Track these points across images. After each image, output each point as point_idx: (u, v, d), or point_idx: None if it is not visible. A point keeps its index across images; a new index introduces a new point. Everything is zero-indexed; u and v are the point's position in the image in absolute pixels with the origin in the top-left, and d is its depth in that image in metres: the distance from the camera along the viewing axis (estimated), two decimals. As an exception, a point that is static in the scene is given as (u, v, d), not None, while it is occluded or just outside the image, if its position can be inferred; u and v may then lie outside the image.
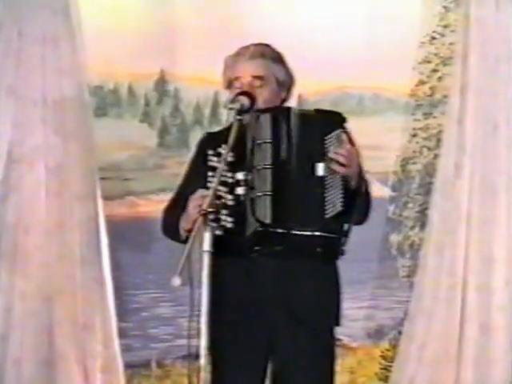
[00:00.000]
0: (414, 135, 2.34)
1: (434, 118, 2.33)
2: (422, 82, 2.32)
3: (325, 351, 1.50)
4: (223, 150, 1.42)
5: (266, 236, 1.43)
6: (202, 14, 2.30)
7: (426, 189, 2.32)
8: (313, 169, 1.44)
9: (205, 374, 1.33)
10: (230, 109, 1.44)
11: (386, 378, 2.32)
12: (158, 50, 2.28)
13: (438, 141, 2.30)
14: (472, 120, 2.18)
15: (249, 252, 1.45)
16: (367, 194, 1.52)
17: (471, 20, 2.17)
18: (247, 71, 1.49)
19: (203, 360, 1.33)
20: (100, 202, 2.19)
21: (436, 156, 2.30)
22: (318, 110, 1.49)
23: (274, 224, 1.43)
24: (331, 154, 1.43)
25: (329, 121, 1.47)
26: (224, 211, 1.43)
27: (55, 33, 2.10)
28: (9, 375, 2.09)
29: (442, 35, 2.31)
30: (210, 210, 1.36)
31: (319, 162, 1.44)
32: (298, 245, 1.45)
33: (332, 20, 2.29)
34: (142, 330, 2.32)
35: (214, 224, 1.41)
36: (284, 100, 1.55)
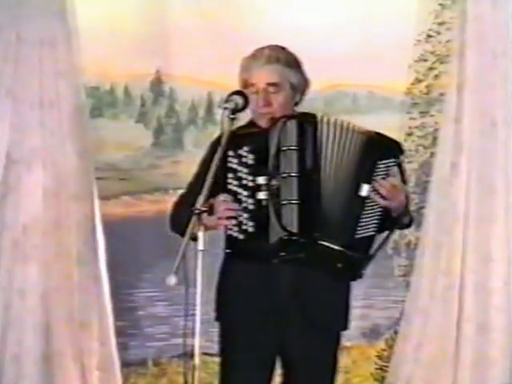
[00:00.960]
0: (410, 134, 2.33)
1: (431, 116, 2.32)
2: (418, 80, 2.31)
3: (332, 354, 1.54)
4: (244, 152, 1.44)
5: (290, 243, 1.44)
6: (196, 14, 2.31)
7: (422, 188, 2.30)
8: (357, 187, 1.44)
9: (199, 373, 1.34)
10: (225, 108, 1.45)
11: (381, 379, 2.31)
12: (154, 50, 2.29)
13: (435, 139, 2.28)
14: (469, 118, 2.16)
15: (270, 257, 1.46)
16: (408, 225, 1.53)
17: (468, 17, 2.15)
18: (262, 78, 1.50)
19: (198, 359, 1.34)
20: (96, 201, 2.21)
21: (432, 154, 2.28)
22: (378, 133, 1.48)
23: (301, 233, 1.43)
24: (375, 184, 1.44)
25: (385, 147, 1.47)
26: (245, 215, 1.44)
27: (52, 36, 2.13)
28: (7, 371, 2.12)
29: (438, 33, 2.30)
30: (204, 209, 1.36)
31: (366, 182, 1.44)
32: (321, 254, 1.45)
33: (326, 18, 2.28)
34: (138, 328, 2.34)
35: (235, 227, 1.44)
36: (297, 103, 1.55)
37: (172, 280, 1.29)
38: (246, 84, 1.53)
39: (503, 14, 2.16)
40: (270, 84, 1.50)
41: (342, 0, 2.32)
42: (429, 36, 2.30)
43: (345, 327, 1.55)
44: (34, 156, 2.14)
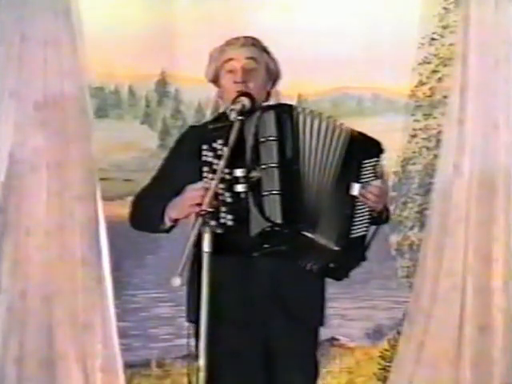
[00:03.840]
0: (414, 136, 2.35)
1: (434, 118, 2.33)
2: (421, 83, 2.33)
3: (313, 350, 1.51)
4: (219, 145, 1.41)
5: (272, 235, 1.41)
6: (201, 15, 2.31)
7: (426, 189, 2.33)
8: (347, 186, 1.43)
9: (204, 374, 1.33)
10: (231, 110, 1.44)
11: (384, 379, 2.32)
12: (159, 51, 2.29)
13: (438, 141, 2.30)
14: (472, 120, 2.19)
15: (251, 251, 1.43)
16: (385, 220, 1.52)
17: (471, 21, 2.18)
18: (241, 54, 1.49)
19: (202, 360, 1.33)
20: (100, 202, 2.20)
21: (436, 156, 2.30)
22: (360, 133, 1.47)
23: (284, 224, 1.40)
24: (363, 191, 1.42)
25: (369, 146, 1.46)
26: (223, 208, 1.41)
27: (57, 36, 2.12)
28: (10, 374, 2.11)
29: (442, 36, 2.31)
30: (210, 210, 1.34)
31: (355, 181, 1.43)
32: (305, 247, 1.43)
33: (332, 20, 2.29)
34: (141, 329, 2.33)
35: (213, 222, 1.39)
36: (268, 93, 1.53)
37: (177, 281, 1.27)
38: (217, 71, 1.51)
39: (506, 17, 2.19)
40: (248, 58, 1.48)
41: (346, 3, 2.33)
42: (432, 39, 2.31)
43: (322, 323, 1.53)
44: (37, 156, 2.13)
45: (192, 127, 1.56)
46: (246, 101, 1.45)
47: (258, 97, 1.48)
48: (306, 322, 1.49)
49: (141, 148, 2.37)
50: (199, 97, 2.36)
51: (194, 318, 1.41)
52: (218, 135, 1.41)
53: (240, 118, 1.43)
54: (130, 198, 2.37)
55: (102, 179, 2.22)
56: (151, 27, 2.30)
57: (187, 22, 2.30)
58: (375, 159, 1.46)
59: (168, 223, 1.45)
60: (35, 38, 2.11)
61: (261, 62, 1.50)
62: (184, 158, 1.46)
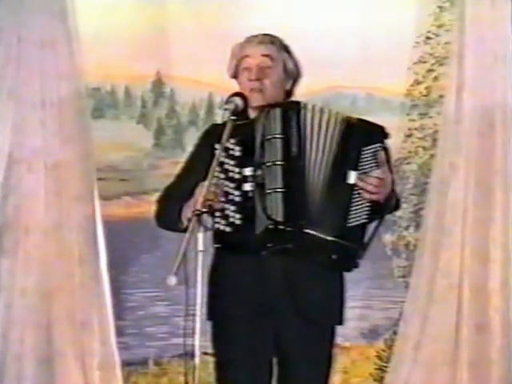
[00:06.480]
0: (409, 135, 2.34)
1: (430, 117, 2.33)
2: (417, 82, 2.32)
3: (327, 349, 1.51)
4: (231, 144, 1.42)
5: (276, 233, 1.41)
6: (196, 16, 2.33)
7: (421, 189, 2.32)
8: (344, 175, 1.42)
9: (200, 373, 1.35)
10: (225, 109, 1.45)
11: (380, 379, 2.32)
12: (154, 52, 2.31)
13: (434, 141, 2.30)
14: (468, 119, 2.18)
15: (259, 250, 1.43)
16: (396, 207, 1.51)
17: (467, 19, 2.17)
18: (257, 51, 1.50)
19: (198, 359, 1.34)
20: (97, 202, 2.22)
21: (432, 156, 2.30)
22: (360, 119, 1.46)
23: (286, 222, 1.40)
24: (360, 183, 1.40)
25: (368, 132, 1.44)
26: (232, 207, 1.42)
27: (53, 37, 2.15)
28: (9, 371, 2.14)
29: (437, 35, 2.31)
30: (204, 210, 1.35)
31: (352, 169, 1.41)
32: (311, 244, 1.42)
33: (326, 19, 2.29)
34: (138, 328, 2.35)
35: (222, 221, 1.42)
36: (289, 93, 1.53)
37: (172, 280, 1.28)
38: (237, 67, 1.51)
39: (502, 16, 2.17)
40: (264, 55, 1.49)
41: (341, 2, 2.33)
42: (428, 38, 2.31)
43: (340, 321, 1.51)
44: (35, 156, 2.16)
45: (214, 125, 1.57)
46: (238, 100, 1.46)
47: (273, 95, 1.48)
48: (319, 320, 1.48)
49: (136, 148, 2.39)
50: (193, 97, 2.37)
51: (210, 317, 1.44)
52: (231, 134, 1.41)
53: (233, 117, 1.43)
54: (126, 198, 2.41)
55: (98, 179, 2.24)
56: (146, 28, 2.32)
57: (182, 22, 2.32)
58: (375, 146, 1.43)
59: (185, 222, 1.45)
60: (32, 39, 2.14)
61: (277, 60, 1.51)
62: (202, 156, 1.47)
